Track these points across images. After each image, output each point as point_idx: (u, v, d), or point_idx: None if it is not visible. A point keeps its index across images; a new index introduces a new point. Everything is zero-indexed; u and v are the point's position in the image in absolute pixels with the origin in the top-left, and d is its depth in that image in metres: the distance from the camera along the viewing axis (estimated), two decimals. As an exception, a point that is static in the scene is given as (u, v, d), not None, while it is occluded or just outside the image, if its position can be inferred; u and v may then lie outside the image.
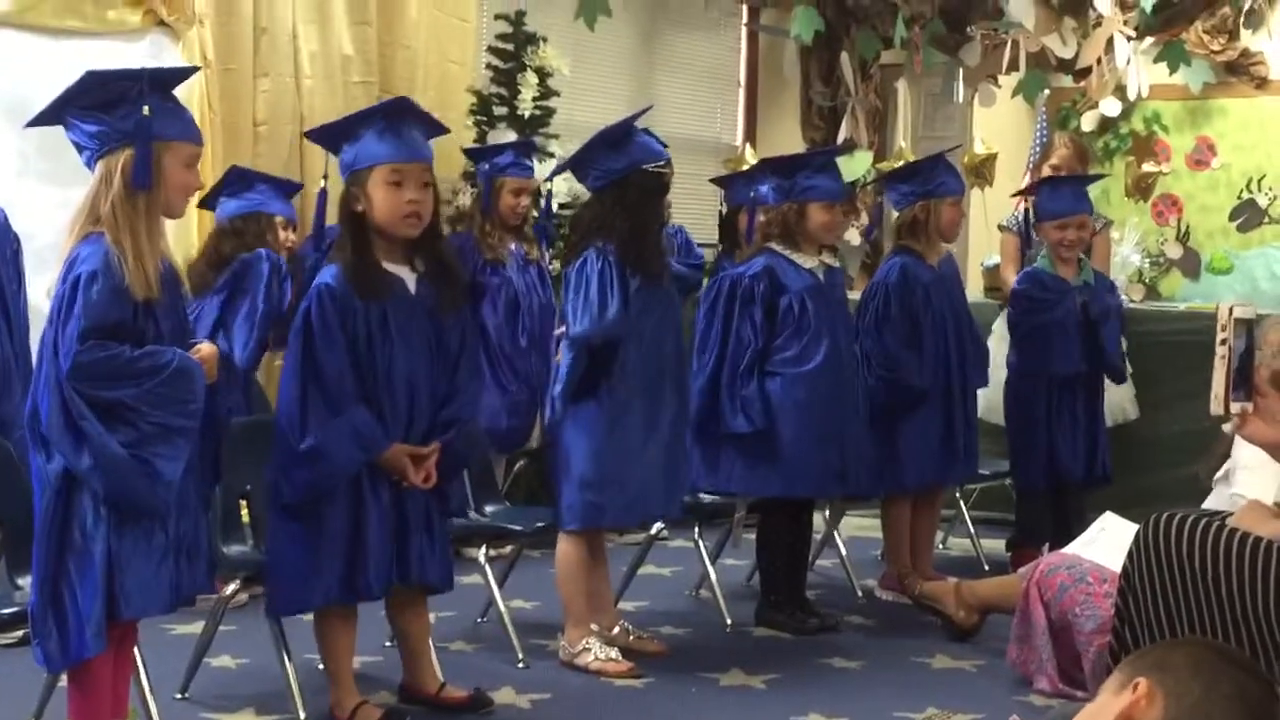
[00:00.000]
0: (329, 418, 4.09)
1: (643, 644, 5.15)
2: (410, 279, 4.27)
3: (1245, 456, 5.07)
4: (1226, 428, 4.04)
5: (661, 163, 4.95)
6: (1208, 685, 2.04)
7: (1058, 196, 6.14)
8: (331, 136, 4.32)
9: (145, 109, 3.58)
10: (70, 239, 3.62)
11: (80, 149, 3.67)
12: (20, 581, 3.95)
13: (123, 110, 3.59)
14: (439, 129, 4.41)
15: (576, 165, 5.04)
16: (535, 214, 6.18)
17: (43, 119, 3.72)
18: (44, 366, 3.59)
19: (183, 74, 4.04)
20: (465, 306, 4.45)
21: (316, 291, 4.16)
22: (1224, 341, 3.27)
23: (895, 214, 6.27)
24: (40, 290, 4.11)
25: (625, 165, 4.88)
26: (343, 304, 4.14)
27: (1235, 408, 3.34)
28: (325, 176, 4.36)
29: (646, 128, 5.09)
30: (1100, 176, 7.31)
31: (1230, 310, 3.24)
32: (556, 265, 6.45)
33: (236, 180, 5.79)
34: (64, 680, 3.85)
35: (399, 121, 4.23)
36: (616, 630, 5.12)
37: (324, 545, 4.15)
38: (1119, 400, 6.69)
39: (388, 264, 4.24)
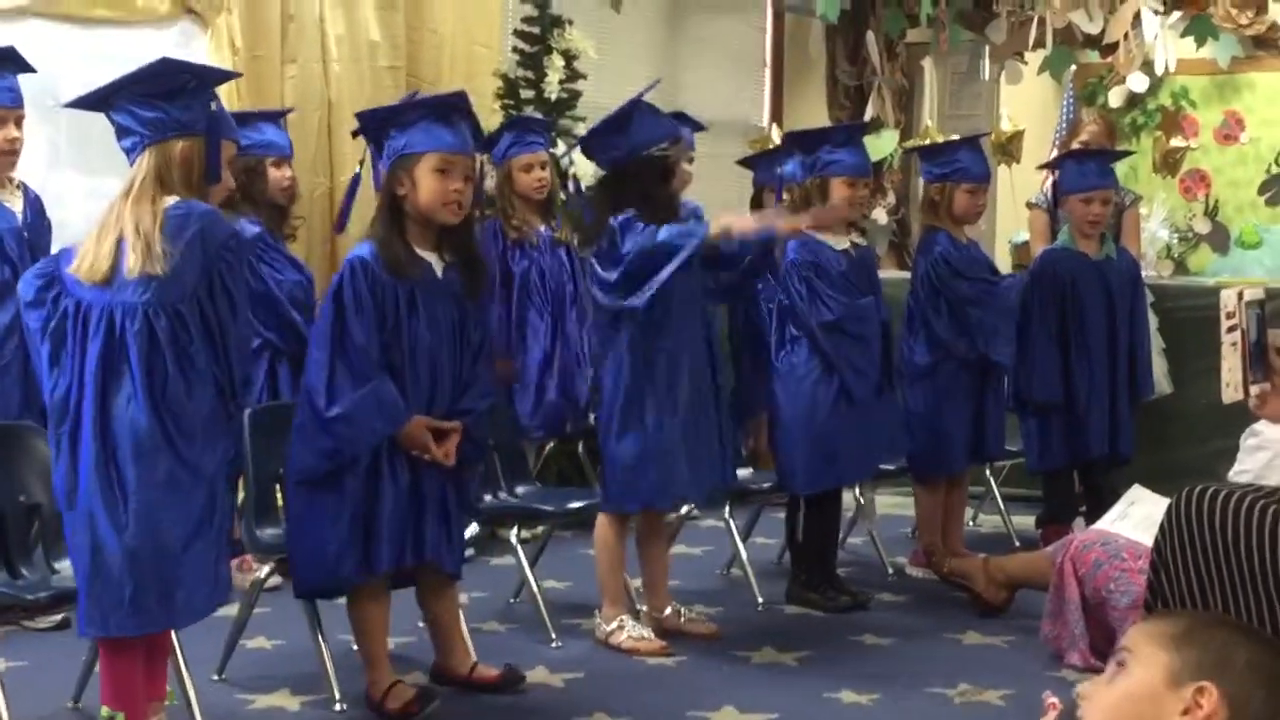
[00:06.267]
0: (355, 387, 4.12)
1: (694, 626, 5.15)
2: (438, 266, 4.32)
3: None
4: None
5: (664, 144, 4.93)
6: (1267, 694, 2.06)
7: (1083, 170, 6.10)
8: (382, 120, 4.38)
9: (213, 104, 3.64)
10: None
11: (125, 134, 3.64)
12: (57, 565, 3.98)
13: (183, 101, 3.61)
14: (480, 135, 4.56)
15: (585, 146, 5.12)
16: (563, 195, 6.19)
17: (91, 99, 3.70)
18: None
19: (226, 77, 4.24)
20: (486, 298, 4.50)
21: (350, 263, 4.22)
22: (1234, 328, 3.23)
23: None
24: None
25: (625, 150, 4.90)
26: (374, 278, 4.19)
27: (1255, 389, 3.31)
28: (361, 163, 4.44)
29: (656, 109, 5.07)
30: (1128, 153, 7.28)
31: (1240, 295, 3.19)
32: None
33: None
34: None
35: (452, 114, 4.33)
36: (668, 611, 5.13)
37: (339, 524, 4.16)
38: (1155, 375, 6.66)
39: (418, 248, 4.29)
